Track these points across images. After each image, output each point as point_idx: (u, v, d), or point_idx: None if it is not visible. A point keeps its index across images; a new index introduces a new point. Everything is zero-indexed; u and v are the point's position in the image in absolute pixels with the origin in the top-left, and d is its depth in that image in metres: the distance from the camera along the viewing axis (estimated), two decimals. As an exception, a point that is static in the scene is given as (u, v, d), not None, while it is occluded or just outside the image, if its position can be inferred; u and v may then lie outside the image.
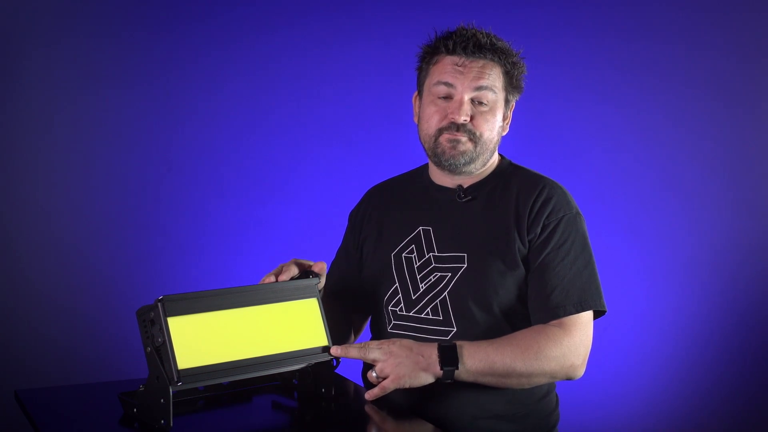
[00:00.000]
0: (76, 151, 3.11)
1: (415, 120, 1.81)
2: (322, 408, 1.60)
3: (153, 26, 3.14)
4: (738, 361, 3.15)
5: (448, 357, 1.56)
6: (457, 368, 1.56)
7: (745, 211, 3.16)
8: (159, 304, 1.43)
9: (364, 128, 3.22)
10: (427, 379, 1.57)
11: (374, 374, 1.57)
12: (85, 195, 3.11)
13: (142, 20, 3.14)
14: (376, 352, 1.57)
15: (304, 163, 3.22)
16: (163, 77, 3.15)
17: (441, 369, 1.56)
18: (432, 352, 1.56)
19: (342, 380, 1.76)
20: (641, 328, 3.11)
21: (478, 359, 1.57)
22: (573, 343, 1.63)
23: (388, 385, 1.55)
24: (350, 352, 1.59)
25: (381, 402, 1.62)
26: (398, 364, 1.55)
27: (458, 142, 1.70)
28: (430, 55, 1.75)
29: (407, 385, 1.55)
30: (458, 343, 1.59)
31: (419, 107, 1.79)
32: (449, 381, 1.58)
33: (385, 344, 1.58)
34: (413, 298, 1.73)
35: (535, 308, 1.67)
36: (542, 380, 1.65)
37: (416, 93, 1.81)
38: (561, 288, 1.65)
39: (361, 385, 1.81)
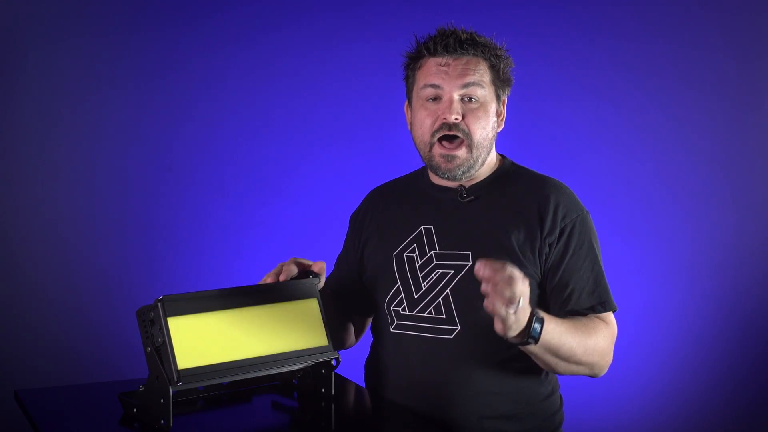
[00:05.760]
0: (76, 151, 3.11)
1: (410, 128, 1.80)
2: (322, 408, 1.60)
3: (153, 26, 3.14)
4: (739, 360, 3.15)
5: (536, 330, 1.50)
6: (536, 342, 1.51)
7: (746, 211, 3.16)
8: (159, 304, 1.43)
9: (364, 128, 3.22)
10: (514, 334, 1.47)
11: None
12: (86, 195, 3.11)
13: (142, 20, 3.14)
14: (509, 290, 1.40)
15: (304, 163, 3.21)
16: (163, 77, 3.14)
17: (527, 338, 1.49)
18: (525, 318, 1.47)
19: (342, 380, 1.76)
20: (642, 328, 3.11)
21: (551, 335, 1.53)
22: (612, 340, 1.68)
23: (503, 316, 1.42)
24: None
25: (382, 402, 1.61)
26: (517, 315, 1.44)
27: (454, 157, 1.69)
28: (413, 61, 1.76)
29: (507, 328, 1.44)
30: (543, 315, 1.52)
31: (411, 115, 1.79)
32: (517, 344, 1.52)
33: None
34: (415, 297, 1.72)
35: (564, 310, 1.67)
36: (581, 371, 1.65)
37: (407, 102, 1.82)
38: (588, 290, 1.68)
39: (362, 385, 1.81)
